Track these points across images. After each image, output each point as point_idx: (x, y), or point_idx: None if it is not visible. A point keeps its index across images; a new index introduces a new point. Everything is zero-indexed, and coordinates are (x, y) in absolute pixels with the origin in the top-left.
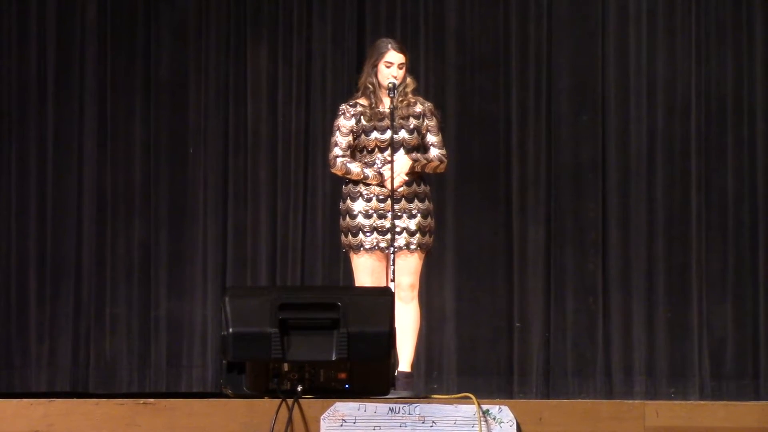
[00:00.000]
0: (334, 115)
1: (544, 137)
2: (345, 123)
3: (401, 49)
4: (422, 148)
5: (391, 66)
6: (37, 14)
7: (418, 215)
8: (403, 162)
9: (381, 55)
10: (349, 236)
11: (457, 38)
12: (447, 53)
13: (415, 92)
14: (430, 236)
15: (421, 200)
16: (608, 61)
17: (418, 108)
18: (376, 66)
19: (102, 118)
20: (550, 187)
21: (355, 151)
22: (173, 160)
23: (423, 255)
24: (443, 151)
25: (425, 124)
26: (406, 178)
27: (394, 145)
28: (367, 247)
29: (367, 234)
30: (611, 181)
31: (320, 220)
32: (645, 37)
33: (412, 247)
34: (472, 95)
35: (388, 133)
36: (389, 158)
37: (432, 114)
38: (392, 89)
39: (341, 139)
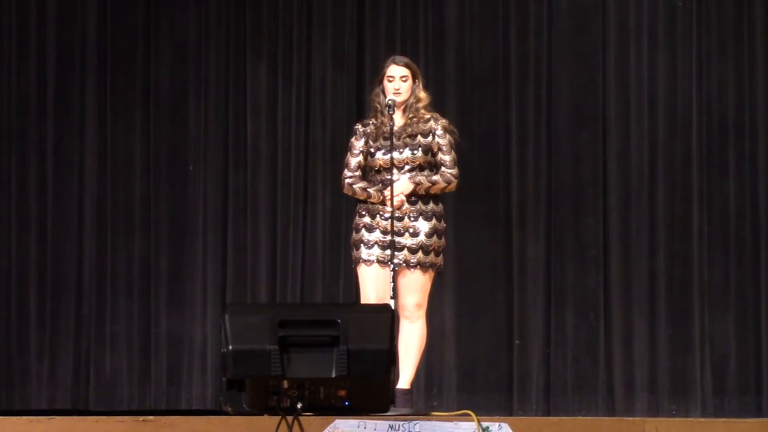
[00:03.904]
0: (334, 132)
1: (544, 153)
2: (356, 143)
3: (403, 62)
4: (434, 166)
5: (392, 80)
6: (36, 31)
7: (422, 234)
8: (402, 185)
9: (383, 70)
10: (354, 250)
11: (457, 55)
12: (447, 69)
13: (430, 107)
14: (436, 255)
15: (428, 219)
16: (609, 77)
17: (429, 125)
18: (381, 83)
19: (102, 135)
20: (550, 203)
21: (367, 170)
22: (173, 177)
23: (427, 274)
24: (453, 171)
25: (435, 141)
26: (404, 200)
27: (395, 165)
28: (366, 259)
29: (369, 247)
30: (612, 197)
31: (320, 236)
32: (646, 52)
33: (411, 264)
34: (471, 111)
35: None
36: (390, 179)
37: (445, 131)
38: (390, 106)
39: (351, 160)
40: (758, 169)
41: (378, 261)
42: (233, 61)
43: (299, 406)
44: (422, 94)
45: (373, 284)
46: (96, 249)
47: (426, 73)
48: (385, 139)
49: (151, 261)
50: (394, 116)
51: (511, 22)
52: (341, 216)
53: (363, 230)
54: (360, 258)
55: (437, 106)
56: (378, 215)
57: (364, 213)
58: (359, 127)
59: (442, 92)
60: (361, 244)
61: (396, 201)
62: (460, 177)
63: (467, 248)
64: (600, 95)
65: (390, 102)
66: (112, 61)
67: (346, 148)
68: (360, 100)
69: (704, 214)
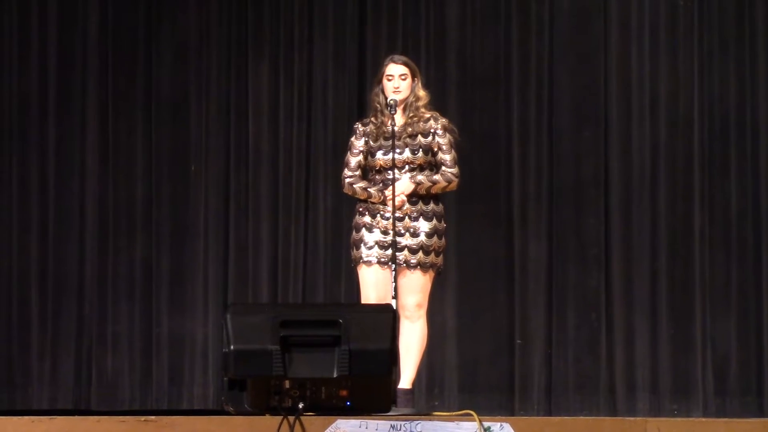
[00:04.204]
0: (335, 132)
1: (545, 153)
2: (356, 142)
3: (402, 61)
4: (434, 166)
5: (392, 79)
6: (38, 32)
7: (422, 234)
8: (403, 185)
9: (382, 69)
10: (354, 249)
11: (458, 54)
12: (448, 69)
13: (430, 106)
14: (436, 255)
15: (428, 219)
16: (610, 77)
17: (429, 125)
18: (380, 83)
19: (104, 135)
20: (551, 203)
21: (367, 170)
22: (175, 177)
23: (427, 274)
24: (454, 170)
25: (435, 141)
26: (405, 199)
27: (396, 165)
28: (367, 260)
29: (369, 248)
30: (613, 197)
31: (322, 236)
32: (647, 52)
33: (412, 264)
34: (473, 111)
35: (392, 154)
36: (392, 179)
37: (445, 131)
38: (392, 106)
39: (352, 160)
40: (760, 169)
41: (378, 261)
42: (235, 61)
43: (301, 406)
44: (421, 93)
45: (373, 285)
46: (97, 249)
47: (427, 73)
48: (386, 139)
49: (153, 261)
50: (394, 116)
51: (512, 22)
52: (343, 216)
53: (363, 230)
54: (360, 258)
55: (439, 106)
56: (378, 215)
57: (364, 212)
58: (359, 126)
59: (444, 92)
60: (362, 244)
61: (397, 201)
62: (461, 176)
63: (469, 248)
64: (601, 95)
65: (392, 102)
66: (114, 61)
67: (346, 147)
68: (361, 100)
69: (706, 214)
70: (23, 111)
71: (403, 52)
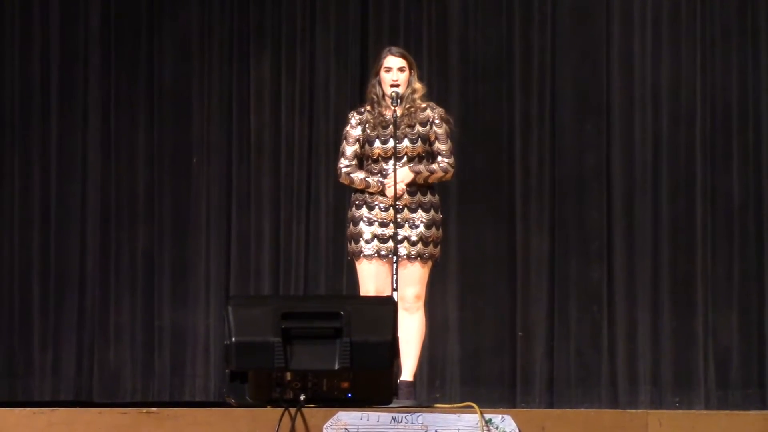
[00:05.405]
0: (337, 125)
1: (547, 146)
2: (351, 131)
3: (400, 53)
4: (431, 155)
5: (390, 71)
6: (40, 26)
7: (421, 225)
8: (403, 173)
9: (380, 61)
10: (352, 243)
11: (461, 48)
12: (450, 63)
13: (425, 98)
14: (434, 247)
15: (426, 210)
16: (612, 69)
17: (426, 115)
18: (378, 74)
19: (106, 129)
20: (553, 196)
21: (363, 159)
22: (176, 170)
23: (426, 265)
24: (450, 160)
25: (432, 131)
26: (405, 188)
27: (396, 155)
28: (367, 254)
29: (368, 242)
30: (615, 190)
31: (323, 230)
32: (649, 44)
33: (413, 256)
34: (475, 104)
35: (391, 143)
36: (391, 168)
37: (442, 120)
38: (395, 98)
39: (347, 149)
40: (762, 162)
41: (378, 255)
42: (237, 55)
43: (302, 398)
44: (417, 85)
45: (372, 278)
46: (99, 242)
47: (429, 66)
48: (383, 127)
49: (155, 254)
50: (389, 107)
51: (514, 14)
52: (344, 209)
53: (361, 223)
54: (360, 252)
55: (441, 99)
56: (377, 207)
57: (361, 205)
58: (354, 115)
59: (446, 86)
60: (360, 238)
61: (398, 189)
62: (461, 168)
63: (471, 241)
64: (604, 88)
65: (393, 94)
66: (116, 55)
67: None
68: (363, 93)
69: (708, 207)
70: (26, 104)
71: (405, 46)
